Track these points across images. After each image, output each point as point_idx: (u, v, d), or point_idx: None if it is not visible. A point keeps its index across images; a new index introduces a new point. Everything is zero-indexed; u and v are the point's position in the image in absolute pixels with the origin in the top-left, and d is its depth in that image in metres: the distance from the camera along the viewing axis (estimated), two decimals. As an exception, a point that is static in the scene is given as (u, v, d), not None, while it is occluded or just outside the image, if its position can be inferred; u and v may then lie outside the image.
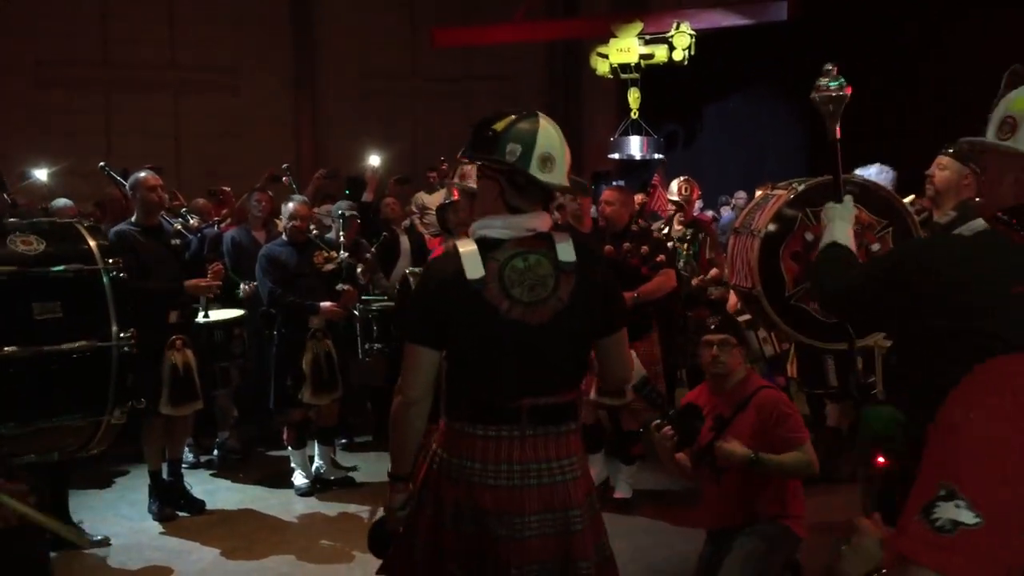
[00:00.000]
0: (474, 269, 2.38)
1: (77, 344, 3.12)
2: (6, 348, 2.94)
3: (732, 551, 3.50)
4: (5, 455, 3.06)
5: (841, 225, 2.67)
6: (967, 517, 1.11)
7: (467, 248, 2.42)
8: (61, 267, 3.15)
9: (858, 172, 4.16)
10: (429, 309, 2.46)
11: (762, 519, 3.54)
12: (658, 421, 3.38)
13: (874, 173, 4.34)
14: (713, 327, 3.67)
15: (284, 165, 7.54)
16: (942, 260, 2.06)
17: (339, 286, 5.76)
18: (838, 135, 2.90)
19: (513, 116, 2.48)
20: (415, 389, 2.47)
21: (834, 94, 2.87)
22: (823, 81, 2.90)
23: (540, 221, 2.47)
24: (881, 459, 2.22)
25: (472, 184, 3.48)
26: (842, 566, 1.53)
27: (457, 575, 2.42)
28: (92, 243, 3.30)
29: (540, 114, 2.50)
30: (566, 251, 2.44)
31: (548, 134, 2.45)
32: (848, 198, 2.76)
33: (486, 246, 2.42)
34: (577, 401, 2.53)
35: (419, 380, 2.46)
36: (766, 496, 3.54)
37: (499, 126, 2.46)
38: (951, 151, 4.27)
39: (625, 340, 2.62)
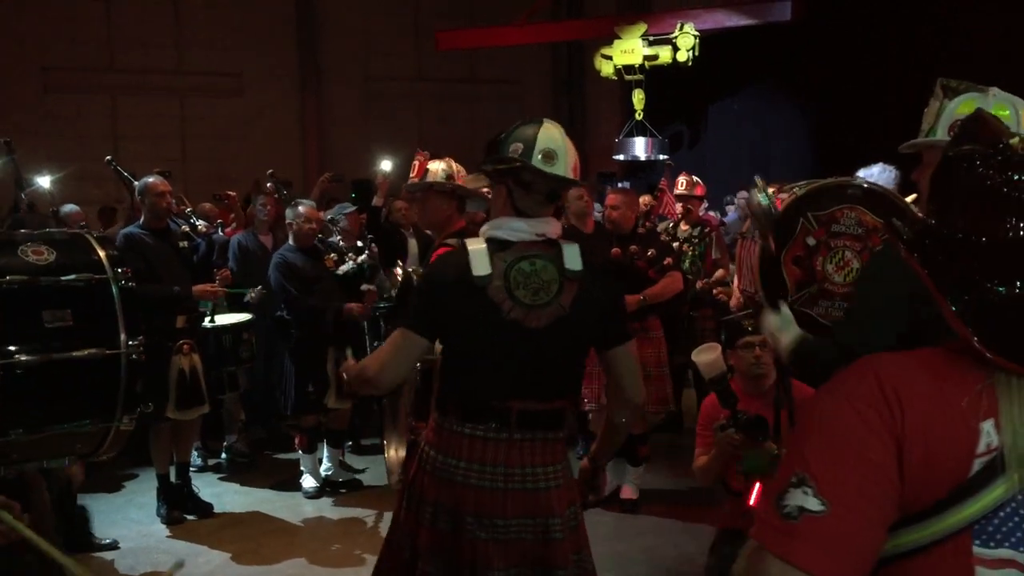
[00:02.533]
0: (481, 266, 2.40)
1: (87, 352, 3.14)
2: (17, 355, 2.96)
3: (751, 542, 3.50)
4: (14, 460, 3.08)
5: (788, 331, 2.50)
6: (813, 504, 1.11)
7: (476, 246, 2.44)
8: (72, 276, 3.18)
9: (861, 172, 4.17)
10: (432, 299, 2.47)
11: None
12: (724, 423, 3.40)
13: (876, 173, 4.35)
14: (751, 328, 3.66)
15: (268, 171, 7.46)
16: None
17: (363, 286, 5.81)
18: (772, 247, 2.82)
19: (518, 123, 2.53)
20: (391, 374, 2.50)
21: (765, 208, 2.77)
22: (754, 196, 2.78)
23: (551, 227, 2.50)
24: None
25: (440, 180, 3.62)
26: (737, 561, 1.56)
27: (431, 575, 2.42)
28: (102, 253, 3.33)
29: (545, 119, 2.53)
30: (573, 259, 2.46)
31: (549, 132, 2.49)
32: (784, 309, 2.62)
33: (495, 246, 2.44)
34: (568, 410, 2.54)
35: (399, 364, 2.49)
36: None
37: (503, 133, 2.52)
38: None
39: (634, 355, 2.62)
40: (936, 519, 1.14)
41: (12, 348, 2.95)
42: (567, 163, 2.49)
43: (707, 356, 3.48)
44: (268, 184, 7.31)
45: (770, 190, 2.83)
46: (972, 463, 1.13)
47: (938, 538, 1.15)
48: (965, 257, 1.17)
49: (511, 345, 2.41)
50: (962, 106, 2.16)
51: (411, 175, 3.91)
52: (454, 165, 3.84)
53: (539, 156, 2.45)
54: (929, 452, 1.13)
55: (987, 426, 1.14)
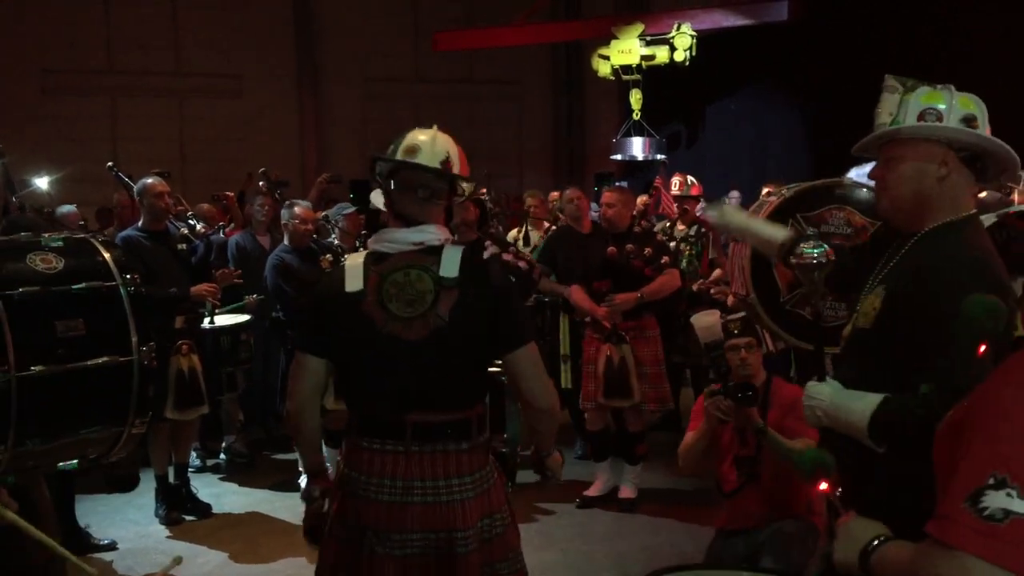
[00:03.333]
0: (353, 282, 2.40)
1: (100, 360, 3.15)
2: (32, 367, 2.97)
3: (770, 541, 3.52)
4: (32, 467, 3.10)
5: (853, 400, 2.08)
6: (1020, 506, 1.09)
7: (352, 261, 2.46)
8: (82, 284, 3.19)
9: (852, 172, 4.19)
10: (315, 318, 2.50)
11: (787, 518, 3.57)
12: (714, 388, 3.40)
13: (866, 172, 4.36)
14: (736, 331, 3.67)
15: (261, 170, 7.45)
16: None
17: None
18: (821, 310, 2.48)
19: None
20: (296, 397, 2.53)
21: (816, 261, 2.34)
22: (802, 248, 2.38)
23: (431, 234, 2.45)
24: (824, 485, 2.16)
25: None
26: (836, 552, 1.54)
27: None
28: (107, 256, 3.33)
29: (436, 127, 2.57)
30: (450, 266, 2.39)
31: (417, 134, 2.51)
32: (831, 380, 2.18)
33: (374, 259, 2.44)
34: (472, 420, 2.44)
35: (301, 388, 2.51)
36: (795, 498, 3.56)
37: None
38: None
39: (533, 359, 2.47)
40: None
41: (28, 360, 2.96)
42: (433, 154, 2.46)
43: (706, 320, 3.47)
44: (261, 183, 7.29)
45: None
46: None
47: None
48: None
49: (391, 359, 2.37)
50: (926, 96, 2.09)
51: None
52: None
53: (401, 152, 2.47)
54: None
55: None
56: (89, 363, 3.11)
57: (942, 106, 2.06)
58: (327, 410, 5.68)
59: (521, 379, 2.47)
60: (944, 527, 1.13)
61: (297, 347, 2.53)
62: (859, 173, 4.13)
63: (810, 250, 2.32)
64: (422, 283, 2.38)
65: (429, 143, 2.48)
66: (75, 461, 3.47)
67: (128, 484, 5.89)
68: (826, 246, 2.36)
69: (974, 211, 2.13)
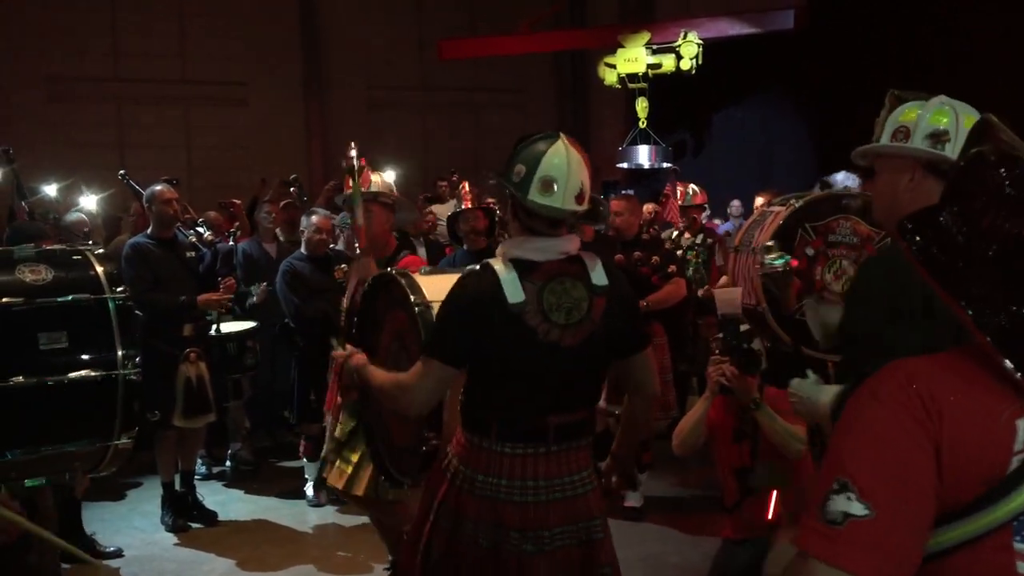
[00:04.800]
0: (515, 293, 2.40)
1: (83, 373, 3.14)
2: (12, 379, 2.97)
3: (779, 547, 3.51)
4: (12, 479, 3.09)
5: (824, 392, 2.39)
6: (857, 509, 1.13)
7: (505, 272, 2.42)
8: (68, 297, 3.18)
9: (831, 180, 4.22)
10: (464, 328, 2.43)
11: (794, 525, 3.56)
12: (719, 355, 3.39)
13: (840, 179, 4.39)
14: (718, 351, 3.65)
15: (293, 176, 7.59)
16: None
17: None
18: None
19: (536, 135, 2.51)
20: (419, 406, 2.51)
21: (780, 271, 2.78)
22: (767, 258, 2.80)
23: (572, 244, 2.51)
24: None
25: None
26: (768, 568, 1.58)
27: None
28: (99, 270, 3.32)
29: (561, 136, 2.50)
30: (599, 275, 2.50)
31: (554, 155, 2.43)
32: (811, 374, 2.49)
33: (521, 268, 2.43)
34: (593, 418, 2.62)
35: (428, 397, 2.48)
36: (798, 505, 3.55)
37: (521, 144, 2.51)
38: None
39: (650, 359, 2.71)
40: (976, 516, 1.16)
41: (8, 372, 2.95)
42: (568, 189, 2.43)
43: (729, 294, 3.44)
44: (292, 189, 7.50)
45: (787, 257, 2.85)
46: (1010, 460, 1.15)
47: (978, 534, 1.16)
48: (990, 273, 1.18)
49: (547, 365, 2.44)
50: (905, 114, 2.27)
51: (348, 185, 3.78)
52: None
53: (537, 184, 2.41)
54: (967, 452, 1.15)
55: (1022, 424, 1.16)
56: (71, 376, 3.10)
57: (911, 124, 2.25)
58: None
59: (645, 375, 2.67)
60: (797, 535, 1.19)
61: (428, 354, 2.46)
62: (834, 179, 4.16)
63: (772, 260, 2.61)
64: (577, 291, 2.47)
65: (566, 172, 2.43)
66: (64, 475, 3.46)
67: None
68: (788, 257, 2.63)
69: None
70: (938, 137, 2.22)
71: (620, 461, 2.88)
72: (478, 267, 2.52)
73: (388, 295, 3.05)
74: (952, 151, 2.20)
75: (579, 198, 2.46)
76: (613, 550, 2.57)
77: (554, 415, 2.46)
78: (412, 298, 2.73)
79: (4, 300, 3.02)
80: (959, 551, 1.17)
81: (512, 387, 2.46)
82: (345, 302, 3.87)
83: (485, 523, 2.43)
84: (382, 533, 4.10)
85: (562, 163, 2.43)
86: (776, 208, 4.01)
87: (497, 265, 2.44)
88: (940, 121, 2.23)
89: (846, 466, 1.16)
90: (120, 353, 3.21)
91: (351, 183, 3.62)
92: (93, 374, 3.15)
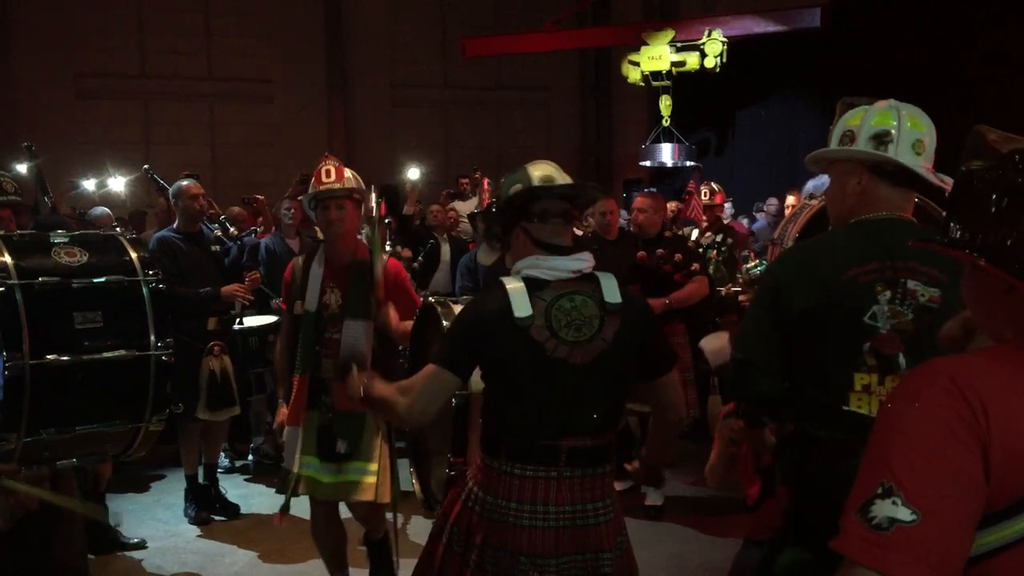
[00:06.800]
0: (522, 307, 2.39)
1: (117, 353, 3.18)
2: (48, 356, 3.00)
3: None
4: (45, 459, 3.13)
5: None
6: (903, 514, 1.11)
7: (515, 286, 2.42)
8: (103, 278, 3.22)
9: (809, 184, 4.20)
10: (470, 339, 2.44)
11: None
12: (728, 412, 3.40)
13: (825, 182, 4.36)
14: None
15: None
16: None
17: None
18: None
19: (504, 175, 2.61)
20: (423, 415, 2.49)
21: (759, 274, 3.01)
22: (747, 267, 3.08)
23: (586, 263, 2.50)
24: None
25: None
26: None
27: None
28: (133, 255, 3.36)
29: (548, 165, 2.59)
30: (612, 292, 2.46)
31: (539, 165, 2.53)
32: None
33: (532, 285, 2.43)
34: (613, 444, 2.53)
35: (428, 404, 2.46)
36: None
37: (494, 196, 2.60)
38: None
39: (677, 383, 2.67)
40: (1021, 516, 1.14)
41: (44, 349, 3.00)
42: (563, 179, 2.52)
43: (715, 343, 3.46)
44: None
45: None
46: None
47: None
48: None
49: (556, 383, 2.40)
50: (851, 119, 2.33)
51: (324, 179, 3.80)
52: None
53: (537, 181, 2.49)
54: (1013, 449, 1.14)
55: None
56: (105, 355, 3.14)
57: (856, 128, 2.31)
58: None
59: (672, 399, 2.64)
60: (840, 539, 1.16)
61: (437, 363, 2.46)
62: (817, 184, 4.14)
63: (751, 268, 2.78)
64: (588, 309, 2.43)
65: (557, 172, 2.53)
66: (96, 456, 3.51)
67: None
68: (766, 262, 2.83)
69: (883, 214, 2.29)
70: (881, 138, 2.25)
71: (649, 468, 2.86)
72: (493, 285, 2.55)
73: (430, 322, 3.09)
74: (895, 151, 2.24)
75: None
76: None
77: (567, 438, 2.39)
78: (444, 324, 2.76)
79: (40, 279, 3.05)
80: (1002, 553, 1.15)
81: (522, 405, 2.43)
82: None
83: (491, 547, 2.40)
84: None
85: (550, 168, 2.54)
86: (813, 203, 4.00)
87: (508, 282, 2.45)
88: (883, 123, 2.26)
89: (891, 469, 1.14)
90: (153, 334, 3.24)
91: (369, 235, 3.64)
92: (126, 353, 3.18)
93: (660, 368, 2.57)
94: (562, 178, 2.51)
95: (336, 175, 3.78)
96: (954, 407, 1.15)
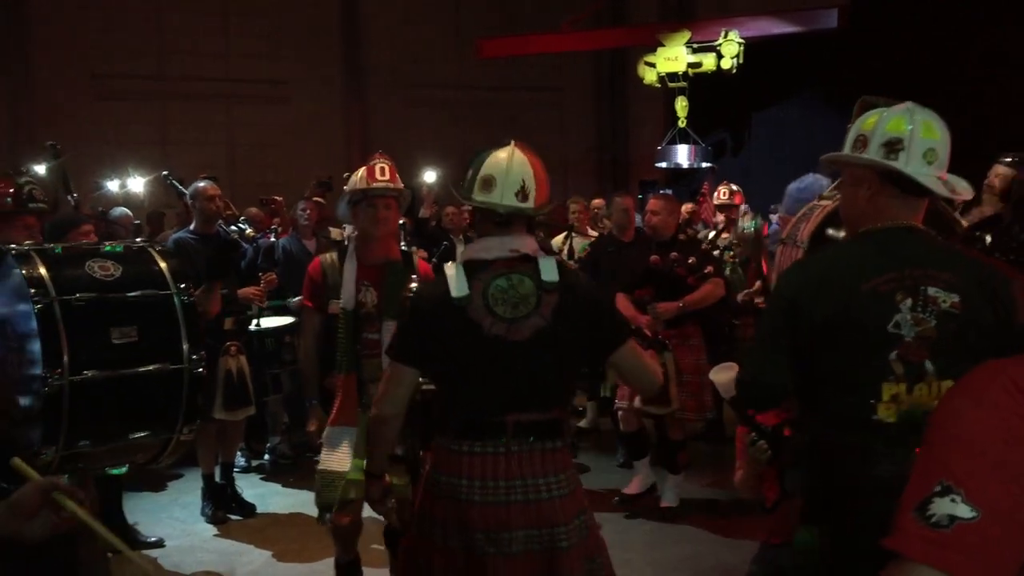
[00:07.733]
0: (459, 288, 2.46)
1: (152, 367, 3.21)
2: (86, 372, 3.04)
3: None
4: (81, 469, 3.17)
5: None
6: (964, 511, 1.09)
7: (451, 270, 2.51)
8: (137, 292, 3.25)
9: (792, 185, 4.20)
10: (418, 329, 2.54)
11: None
12: (754, 435, 3.41)
13: (809, 182, 4.34)
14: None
15: (329, 177, 7.73)
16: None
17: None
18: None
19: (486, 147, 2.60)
20: (390, 405, 2.58)
21: (752, 232, 3.04)
22: (743, 224, 3.09)
23: (524, 243, 2.54)
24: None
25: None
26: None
27: None
28: (163, 265, 3.39)
29: (513, 143, 2.57)
30: (549, 271, 2.50)
31: (496, 157, 2.53)
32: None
33: (473, 267, 2.51)
34: (564, 418, 2.58)
35: (396, 397, 2.56)
36: None
37: (474, 154, 2.61)
38: (1008, 160, 4.23)
39: (635, 352, 2.68)
40: None
41: (82, 365, 3.03)
42: (507, 186, 2.50)
43: (724, 376, 3.47)
44: (320, 188, 7.63)
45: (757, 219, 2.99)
46: None
47: None
48: None
49: (497, 360, 2.46)
50: (866, 122, 2.29)
51: (378, 177, 3.74)
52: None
53: (479, 183, 2.52)
54: None
55: None
56: (141, 369, 3.17)
57: (869, 132, 2.27)
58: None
59: (632, 371, 2.70)
60: (896, 538, 1.15)
61: (393, 357, 2.58)
62: (800, 186, 4.13)
63: (746, 227, 2.85)
64: (524, 287, 2.48)
65: (503, 173, 2.51)
66: (125, 466, 3.55)
67: None
68: (759, 221, 2.85)
69: (890, 224, 2.26)
70: (892, 146, 2.22)
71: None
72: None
73: None
74: (905, 160, 2.20)
75: (520, 195, 2.51)
76: (581, 563, 2.48)
77: (512, 413, 2.45)
78: None
79: (77, 295, 3.08)
80: None
81: (466, 383, 2.50)
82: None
83: (451, 525, 2.44)
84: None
85: (502, 162, 2.52)
86: (824, 203, 3.98)
87: (448, 267, 2.54)
88: (896, 129, 2.22)
89: (949, 468, 1.13)
90: (186, 347, 3.27)
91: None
92: (161, 367, 3.21)
93: (613, 342, 2.60)
94: (505, 179, 2.50)
95: (390, 174, 3.78)
96: (1013, 407, 1.14)
